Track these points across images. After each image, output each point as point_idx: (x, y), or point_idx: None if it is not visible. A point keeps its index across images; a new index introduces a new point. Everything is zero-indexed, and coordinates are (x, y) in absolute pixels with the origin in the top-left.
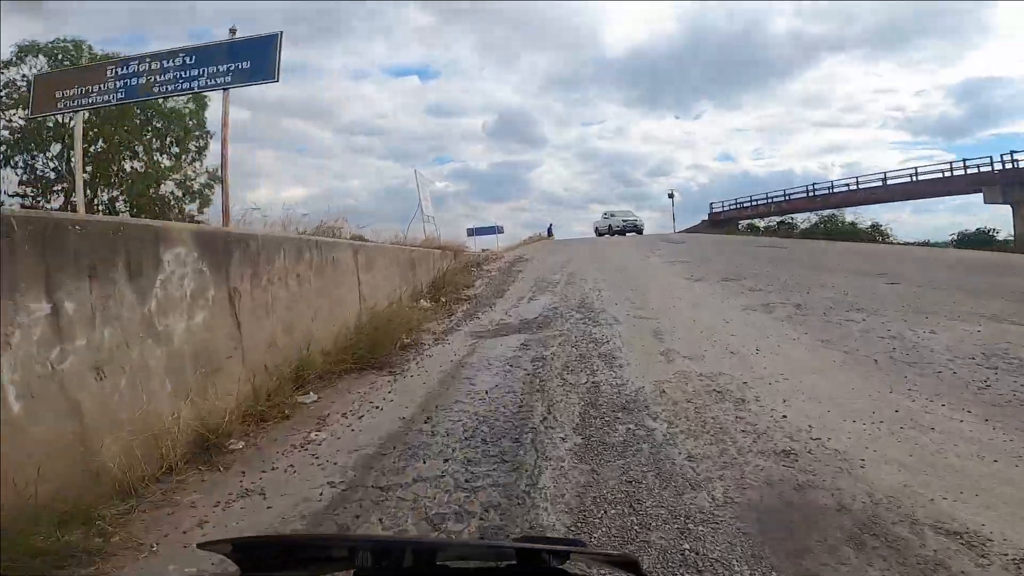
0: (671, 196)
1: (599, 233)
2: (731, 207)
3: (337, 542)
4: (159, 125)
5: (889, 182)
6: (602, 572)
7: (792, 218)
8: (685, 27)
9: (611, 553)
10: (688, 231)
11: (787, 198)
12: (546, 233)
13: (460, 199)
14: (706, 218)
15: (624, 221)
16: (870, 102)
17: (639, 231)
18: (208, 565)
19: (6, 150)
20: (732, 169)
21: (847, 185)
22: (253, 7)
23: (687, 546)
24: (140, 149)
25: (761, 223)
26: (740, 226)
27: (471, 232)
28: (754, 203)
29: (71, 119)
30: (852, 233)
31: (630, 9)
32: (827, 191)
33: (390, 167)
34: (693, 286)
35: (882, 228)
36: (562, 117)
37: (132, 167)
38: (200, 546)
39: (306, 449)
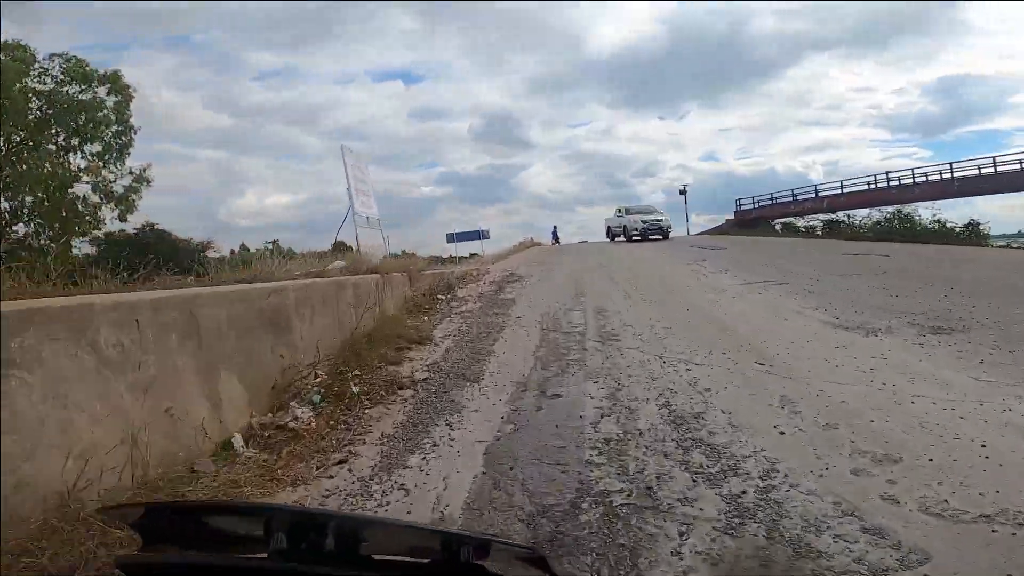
0: (683, 192)
1: (612, 235)
2: (763, 203)
3: (254, 512)
4: (68, 120)
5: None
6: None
7: (848, 215)
8: (670, 28)
9: (521, 545)
10: (713, 232)
11: (843, 192)
12: (551, 239)
13: (448, 203)
14: (731, 217)
15: (646, 221)
16: (850, 101)
17: (665, 234)
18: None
19: None
20: (717, 169)
21: (926, 175)
22: (236, 13)
23: None
24: (52, 147)
25: (799, 222)
26: (775, 226)
27: (452, 238)
28: (796, 198)
29: None
30: (941, 234)
31: (615, 11)
32: (904, 181)
33: (376, 172)
34: (867, 348)
35: (980, 227)
36: (548, 119)
37: (28, 168)
38: (100, 511)
39: None
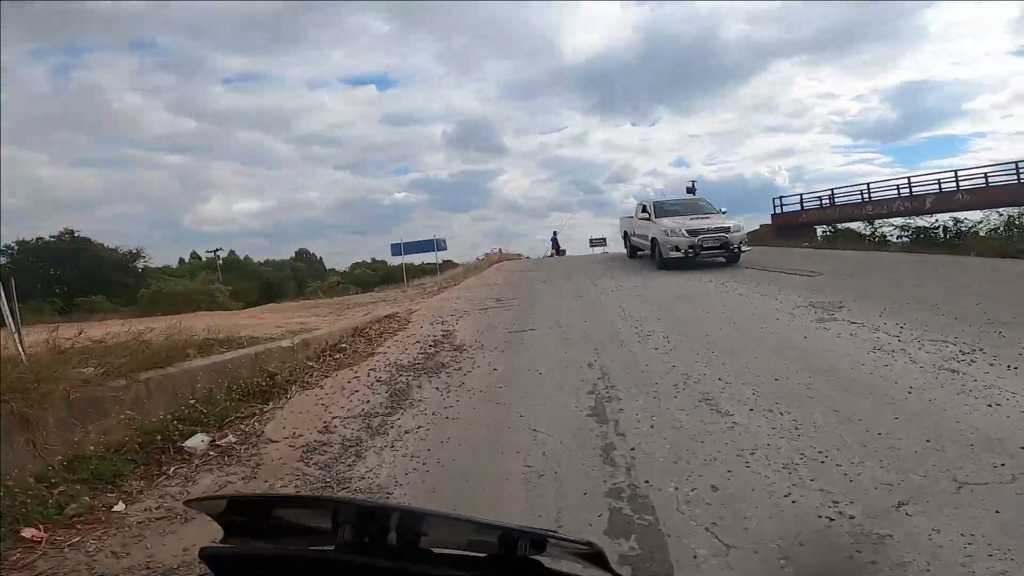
0: (691, 191)
1: (634, 249)
2: (814, 204)
3: (323, 504)
4: None
5: None
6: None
7: (956, 220)
8: (643, 34)
9: (578, 541)
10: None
11: (940, 189)
12: (550, 249)
13: (421, 210)
14: (767, 222)
15: (696, 232)
16: (814, 107)
17: (733, 255)
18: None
19: None
20: (687, 174)
21: None
22: (206, 14)
23: None
24: None
25: (861, 227)
26: (818, 233)
27: (399, 250)
28: (870, 198)
29: None
30: None
31: (589, 16)
32: None
33: (348, 178)
34: None
35: None
36: (522, 125)
37: None
38: (187, 503)
39: None
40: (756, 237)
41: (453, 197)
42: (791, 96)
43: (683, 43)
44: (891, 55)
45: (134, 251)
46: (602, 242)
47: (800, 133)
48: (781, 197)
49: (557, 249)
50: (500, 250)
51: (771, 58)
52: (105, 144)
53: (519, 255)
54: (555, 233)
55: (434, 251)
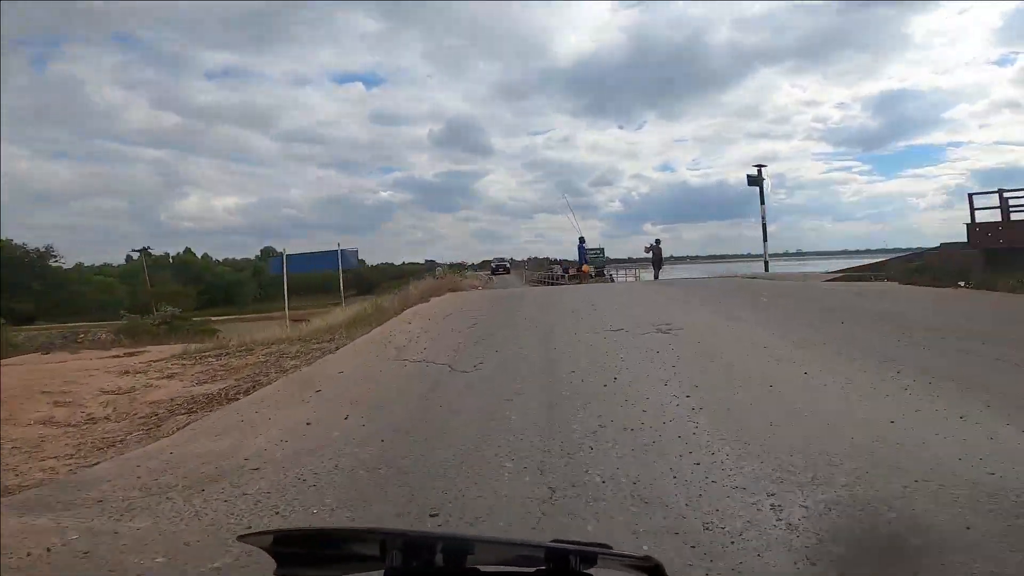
0: (756, 182)
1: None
2: None
3: (370, 536)
4: None
5: None
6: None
7: None
8: (631, 37)
9: (635, 556)
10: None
11: None
12: (578, 263)
13: (406, 209)
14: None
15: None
16: (796, 113)
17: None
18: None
19: None
20: (671, 179)
21: None
22: (192, 10)
23: None
24: None
25: None
26: None
27: (276, 265)
28: None
29: None
30: None
31: (579, 19)
32: None
33: (332, 176)
34: None
35: None
36: (509, 126)
37: None
38: (240, 538)
39: None
40: (918, 259)
41: (439, 197)
42: (775, 103)
43: (671, 47)
44: (873, 63)
45: (42, 249)
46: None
47: (783, 139)
48: (1002, 191)
49: (586, 268)
50: (440, 271)
51: (756, 64)
52: (83, 138)
53: (488, 277)
54: (582, 241)
55: (336, 267)
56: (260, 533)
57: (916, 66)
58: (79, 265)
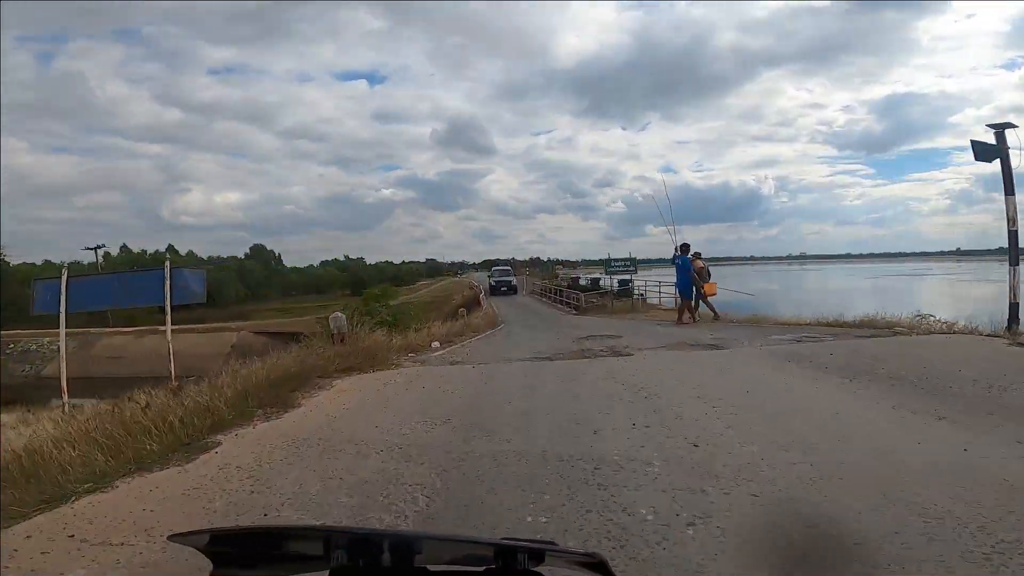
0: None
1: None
2: None
3: (313, 534)
4: None
5: None
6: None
7: None
8: (635, 39)
9: (580, 552)
10: None
11: None
12: (698, 281)
13: (406, 208)
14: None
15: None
16: (801, 116)
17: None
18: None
19: None
20: (674, 181)
21: None
22: (195, 5)
23: None
24: None
25: None
26: None
27: (53, 288)
28: None
29: None
30: None
31: (583, 19)
32: None
33: (334, 173)
34: None
35: None
36: (511, 126)
37: None
38: (171, 538)
39: None
40: None
41: (439, 196)
42: (778, 106)
43: (675, 49)
44: (879, 67)
45: None
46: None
47: (786, 143)
48: None
49: (706, 289)
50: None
51: (760, 67)
52: (85, 132)
53: (482, 294)
54: (685, 248)
55: (160, 301)
56: (194, 532)
57: (922, 70)
58: (20, 265)
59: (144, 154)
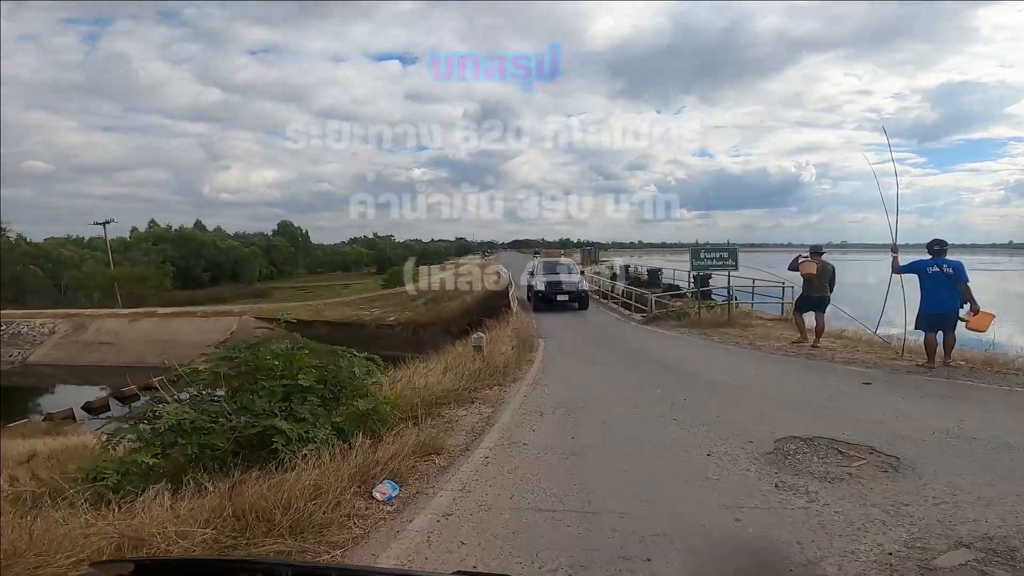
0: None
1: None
2: None
3: (251, 567)
4: None
5: None
6: None
7: None
8: (672, 21)
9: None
10: None
11: None
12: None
13: (437, 187)
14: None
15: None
16: (847, 103)
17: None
18: None
19: None
20: (709, 165)
21: None
22: None
23: None
24: None
25: None
26: None
27: None
28: None
29: None
30: None
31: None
32: None
33: (366, 152)
34: None
35: None
36: (544, 107)
37: None
38: (93, 566)
39: None
40: None
41: (471, 176)
42: (821, 92)
43: (714, 32)
44: (935, 54)
45: None
46: None
47: (830, 129)
48: None
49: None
50: None
51: (804, 52)
52: (131, 111)
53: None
54: (942, 250)
55: None
56: (118, 561)
57: (980, 59)
58: (22, 241)
59: (185, 132)
